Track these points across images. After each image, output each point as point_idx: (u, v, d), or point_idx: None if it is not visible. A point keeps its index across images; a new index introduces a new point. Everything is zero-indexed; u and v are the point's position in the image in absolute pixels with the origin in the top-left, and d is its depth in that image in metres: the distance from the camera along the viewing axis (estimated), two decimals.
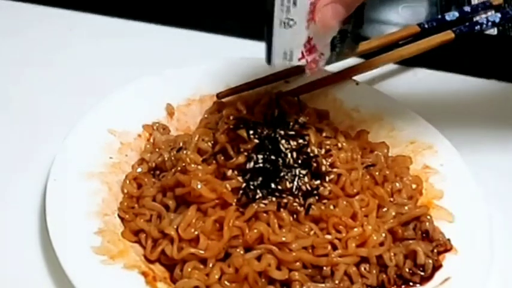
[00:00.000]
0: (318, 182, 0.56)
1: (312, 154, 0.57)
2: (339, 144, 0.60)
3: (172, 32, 0.80)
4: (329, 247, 0.54)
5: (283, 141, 0.57)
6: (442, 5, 0.85)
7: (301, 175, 0.56)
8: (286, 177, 0.56)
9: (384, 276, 0.54)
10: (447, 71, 0.77)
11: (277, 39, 0.52)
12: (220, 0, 0.84)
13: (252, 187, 0.55)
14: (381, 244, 0.55)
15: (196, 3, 0.83)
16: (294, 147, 0.57)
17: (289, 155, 0.56)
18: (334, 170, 0.57)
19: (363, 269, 0.54)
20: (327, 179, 0.57)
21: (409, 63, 0.76)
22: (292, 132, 0.58)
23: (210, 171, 0.56)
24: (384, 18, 0.86)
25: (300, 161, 0.56)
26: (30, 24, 0.80)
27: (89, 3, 0.81)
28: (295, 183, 0.55)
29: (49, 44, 0.77)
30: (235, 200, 0.54)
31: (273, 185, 0.55)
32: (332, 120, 0.65)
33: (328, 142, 0.59)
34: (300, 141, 0.57)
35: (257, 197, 0.54)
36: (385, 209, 0.58)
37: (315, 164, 0.57)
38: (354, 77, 0.71)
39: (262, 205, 0.54)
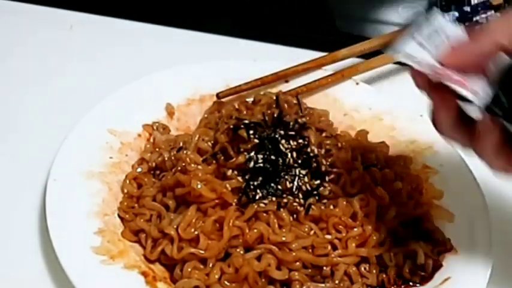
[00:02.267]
0: (318, 182, 0.56)
1: (312, 154, 0.57)
2: (339, 144, 0.60)
3: (172, 32, 0.80)
4: (329, 247, 0.54)
5: (283, 141, 0.57)
6: (442, 5, 0.85)
7: (301, 175, 0.56)
8: (286, 177, 0.56)
9: (384, 276, 0.54)
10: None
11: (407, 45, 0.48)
12: (221, 1, 0.84)
13: (252, 187, 0.55)
14: (381, 244, 0.55)
15: (196, 3, 0.83)
16: (294, 147, 0.57)
17: (289, 155, 0.56)
18: (334, 170, 0.57)
19: (363, 269, 0.54)
20: (327, 179, 0.57)
21: None
22: (292, 132, 0.58)
23: (210, 171, 0.56)
24: (383, 18, 0.86)
25: (300, 161, 0.56)
26: (30, 24, 0.80)
27: (89, 3, 0.81)
28: (295, 183, 0.55)
29: (49, 44, 0.77)
30: (235, 200, 0.54)
31: (273, 185, 0.55)
32: (332, 120, 0.65)
33: (328, 142, 0.59)
34: (300, 141, 0.57)
35: (257, 197, 0.54)
36: (385, 209, 0.58)
37: (315, 164, 0.57)
38: (354, 77, 0.71)
39: (262, 205, 0.54)
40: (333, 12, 0.88)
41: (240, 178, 0.55)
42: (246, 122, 0.58)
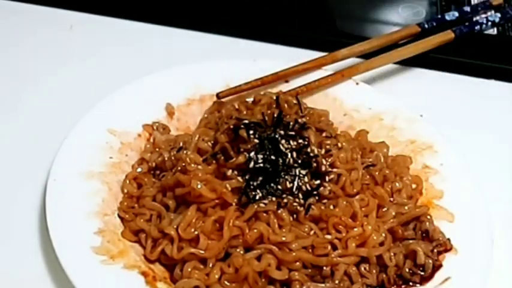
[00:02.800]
0: (318, 182, 0.56)
1: (312, 154, 0.57)
2: (339, 144, 0.60)
3: (172, 32, 0.80)
4: (329, 247, 0.54)
5: (283, 141, 0.57)
6: (442, 5, 0.85)
7: (301, 175, 0.56)
8: (286, 177, 0.55)
9: (384, 276, 0.54)
10: (447, 71, 0.77)
11: None
12: (221, 1, 0.84)
13: (252, 187, 0.55)
14: (381, 244, 0.55)
15: (196, 3, 0.83)
16: (294, 147, 0.57)
17: (289, 155, 0.56)
18: (334, 170, 0.57)
19: (362, 269, 0.54)
20: (327, 179, 0.57)
21: (409, 63, 0.76)
22: (292, 133, 0.58)
23: (210, 171, 0.56)
24: (383, 18, 0.86)
25: (300, 161, 0.56)
26: (30, 24, 0.80)
27: (89, 3, 0.81)
28: (295, 183, 0.55)
29: (49, 44, 0.77)
30: (235, 200, 0.54)
31: (273, 185, 0.55)
32: (332, 120, 0.65)
33: (328, 142, 0.59)
34: (300, 141, 0.57)
35: (257, 197, 0.54)
36: (385, 209, 0.58)
37: (315, 164, 0.57)
38: (354, 77, 0.71)
39: (262, 205, 0.54)
40: (333, 12, 0.88)
41: (240, 178, 0.55)
42: (246, 122, 0.57)
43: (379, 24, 0.85)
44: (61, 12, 0.81)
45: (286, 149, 0.56)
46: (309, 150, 0.57)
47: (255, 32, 0.80)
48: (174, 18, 0.81)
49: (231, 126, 0.57)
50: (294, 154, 0.56)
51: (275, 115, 0.59)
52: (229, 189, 0.55)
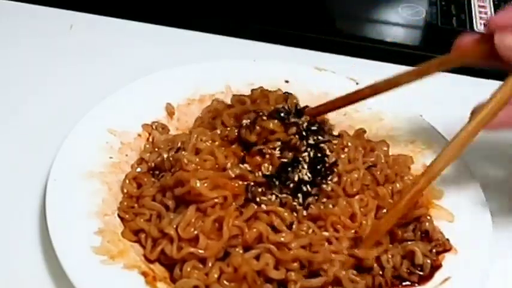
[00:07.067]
0: (318, 181, 0.56)
1: (324, 153, 0.58)
2: (344, 142, 0.60)
3: (172, 32, 0.80)
4: (326, 244, 0.54)
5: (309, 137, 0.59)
6: (442, 5, 0.85)
7: (302, 173, 0.56)
8: (289, 175, 0.56)
9: (381, 278, 0.54)
10: (447, 71, 0.77)
11: None
12: (221, 1, 0.84)
13: (252, 187, 0.55)
14: (379, 245, 0.55)
15: (196, 3, 0.83)
16: (312, 143, 0.58)
17: (305, 153, 0.57)
18: (335, 170, 0.57)
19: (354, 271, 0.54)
20: (328, 178, 0.57)
21: (409, 63, 0.76)
22: (315, 127, 0.60)
23: (208, 168, 0.56)
24: (384, 18, 0.86)
25: (307, 160, 0.57)
26: (30, 24, 0.80)
27: (89, 3, 0.81)
28: (296, 180, 0.55)
29: (49, 44, 0.77)
30: (243, 187, 0.55)
31: (273, 183, 0.55)
32: (332, 120, 0.65)
33: (335, 142, 0.60)
34: (320, 137, 0.59)
35: (257, 198, 0.54)
36: (384, 210, 0.58)
37: (320, 165, 0.57)
38: (354, 77, 0.71)
39: (262, 205, 0.54)
40: (333, 12, 0.88)
41: (241, 166, 0.56)
42: (281, 109, 0.59)
43: (379, 24, 0.85)
44: (61, 12, 0.81)
45: (307, 146, 0.58)
46: (322, 146, 0.58)
47: (255, 32, 0.80)
48: (174, 18, 0.81)
49: (264, 118, 0.58)
50: (311, 153, 0.57)
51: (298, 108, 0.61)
52: (233, 176, 0.55)
